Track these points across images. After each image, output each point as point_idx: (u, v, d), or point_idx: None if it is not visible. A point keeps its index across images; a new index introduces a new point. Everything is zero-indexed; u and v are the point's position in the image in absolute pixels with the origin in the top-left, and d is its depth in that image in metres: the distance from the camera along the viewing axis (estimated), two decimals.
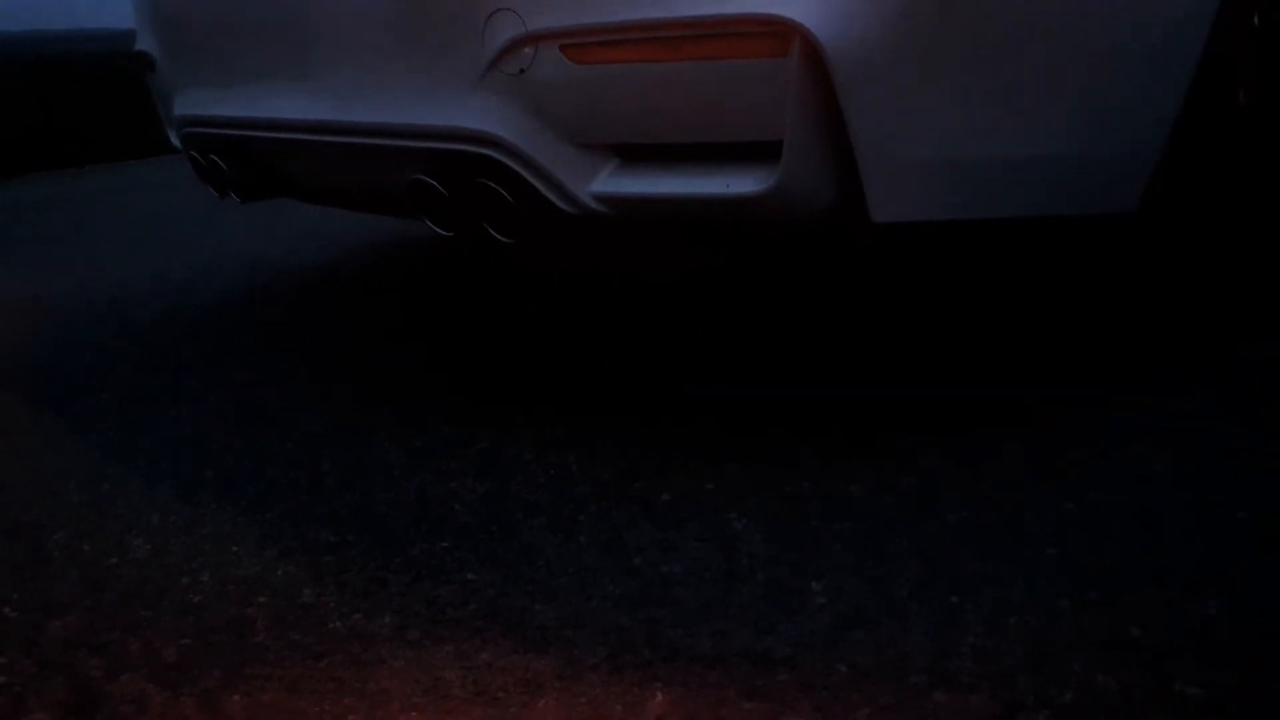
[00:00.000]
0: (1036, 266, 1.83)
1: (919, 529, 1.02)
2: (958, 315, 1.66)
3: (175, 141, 1.78)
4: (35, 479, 1.29)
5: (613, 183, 1.16)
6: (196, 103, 1.60)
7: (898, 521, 1.03)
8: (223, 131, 1.56)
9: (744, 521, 1.06)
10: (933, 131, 1.08)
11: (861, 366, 1.47)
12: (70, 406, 1.55)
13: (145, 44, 1.73)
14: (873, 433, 1.24)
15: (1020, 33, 1.09)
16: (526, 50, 1.11)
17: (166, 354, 1.78)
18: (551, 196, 1.17)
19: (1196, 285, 1.47)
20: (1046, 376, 1.39)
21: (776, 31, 1.00)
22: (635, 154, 1.16)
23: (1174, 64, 1.20)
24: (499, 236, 1.26)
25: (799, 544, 1.01)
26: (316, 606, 0.96)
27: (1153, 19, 1.18)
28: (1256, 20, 1.32)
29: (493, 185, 1.19)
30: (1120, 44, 1.17)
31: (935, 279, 1.87)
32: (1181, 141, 1.23)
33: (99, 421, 1.48)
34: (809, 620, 0.89)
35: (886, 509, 1.06)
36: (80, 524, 1.16)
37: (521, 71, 1.12)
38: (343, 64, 1.32)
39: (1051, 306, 1.68)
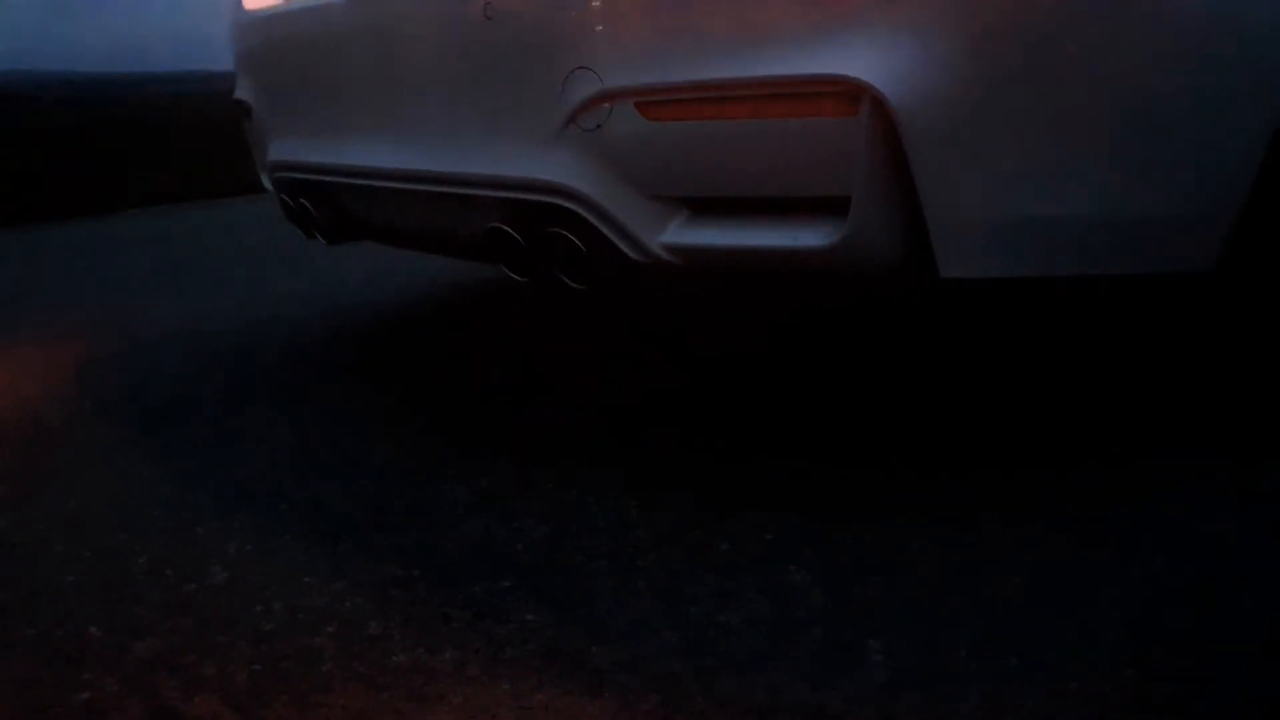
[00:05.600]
0: (1104, 321, 1.80)
1: (979, 590, 1.01)
2: (1019, 368, 1.64)
3: (267, 184, 1.87)
4: (123, 505, 1.36)
5: (682, 233, 1.19)
6: (288, 149, 1.69)
7: (957, 581, 1.02)
8: (311, 177, 1.64)
9: (803, 574, 1.06)
10: (1002, 190, 1.09)
11: (923, 418, 1.46)
12: (156, 436, 1.62)
13: (243, 93, 1.83)
14: (935, 490, 1.23)
15: (1092, 92, 1.09)
16: (604, 106, 1.15)
17: (247, 387, 1.85)
18: (623, 246, 1.20)
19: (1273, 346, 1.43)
20: (1112, 436, 1.36)
21: (846, 91, 1.02)
22: (705, 206, 1.19)
23: (1252, 121, 1.19)
24: (571, 283, 1.29)
25: (857, 599, 1.00)
26: (382, 639, 0.99)
27: (1231, 76, 1.17)
28: None
29: (567, 234, 1.23)
30: (1196, 102, 1.16)
31: (996, 331, 1.85)
32: (1261, 199, 1.21)
33: (182, 451, 1.55)
34: (864, 677, 0.88)
35: (947, 568, 1.05)
36: (163, 549, 1.21)
37: (598, 127, 1.16)
38: (427, 116, 1.38)
39: (1118, 363, 1.65)
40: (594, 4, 1.15)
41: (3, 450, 1.59)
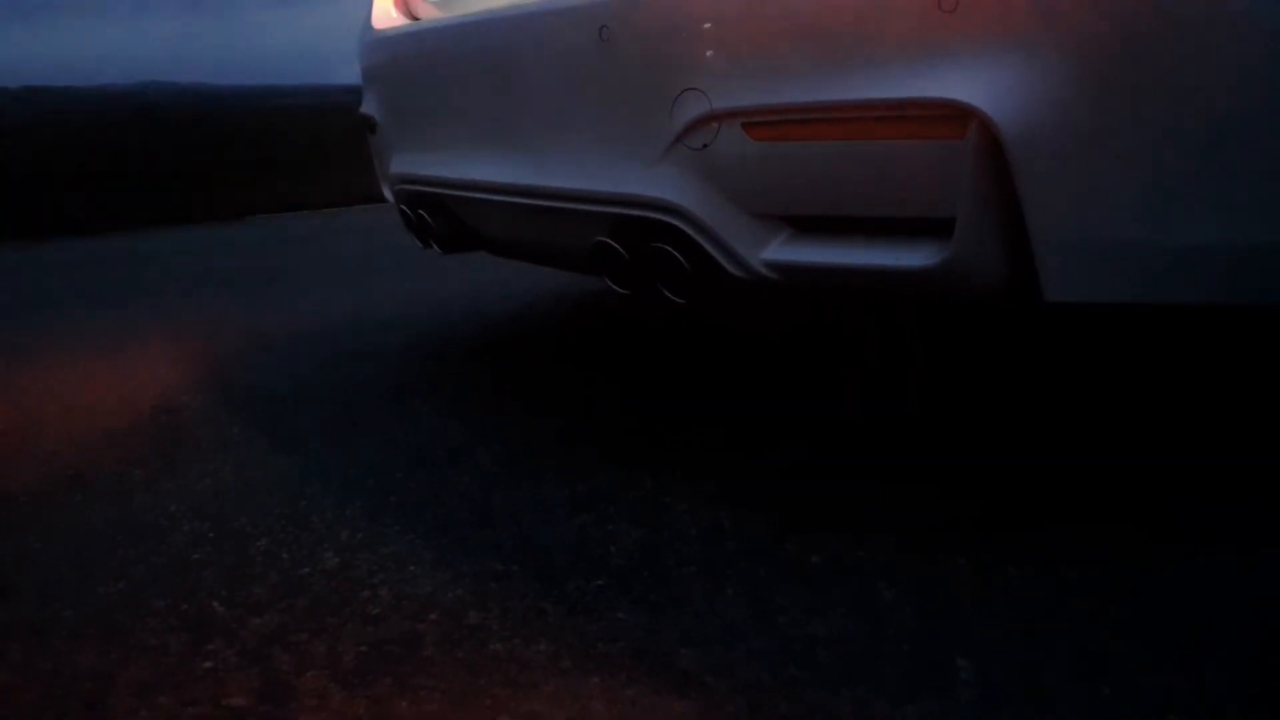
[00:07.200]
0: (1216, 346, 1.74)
1: (1078, 619, 0.99)
2: (1136, 393, 1.60)
3: (388, 195, 1.96)
4: (246, 491, 1.44)
5: (784, 251, 1.21)
6: (409, 163, 1.77)
7: (1056, 610, 1.01)
8: (431, 190, 1.72)
9: (894, 592, 1.06)
10: (1111, 214, 1.07)
11: (1033, 440, 1.44)
12: (276, 428, 1.72)
13: (369, 108, 1.93)
14: (1041, 518, 1.22)
15: (1200, 115, 1.07)
16: (711, 126, 1.19)
17: (361, 386, 1.94)
18: (724, 262, 1.23)
19: None
20: (1231, 475, 1.32)
21: (953, 114, 1.03)
22: (807, 225, 1.20)
23: None
24: (672, 297, 1.33)
25: (949, 619, 1.00)
26: (480, 628, 1.03)
27: None
28: None
29: (669, 250, 1.26)
30: None
31: (1105, 351, 1.80)
32: None
33: (299, 443, 1.63)
34: (953, 697, 0.88)
35: (1045, 596, 1.04)
36: (280, 534, 1.29)
37: (704, 146, 1.20)
38: (540, 135, 1.44)
39: (1227, 396, 1.59)
40: (704, 28, 1.19)
41: (139, 437, 1.71)
